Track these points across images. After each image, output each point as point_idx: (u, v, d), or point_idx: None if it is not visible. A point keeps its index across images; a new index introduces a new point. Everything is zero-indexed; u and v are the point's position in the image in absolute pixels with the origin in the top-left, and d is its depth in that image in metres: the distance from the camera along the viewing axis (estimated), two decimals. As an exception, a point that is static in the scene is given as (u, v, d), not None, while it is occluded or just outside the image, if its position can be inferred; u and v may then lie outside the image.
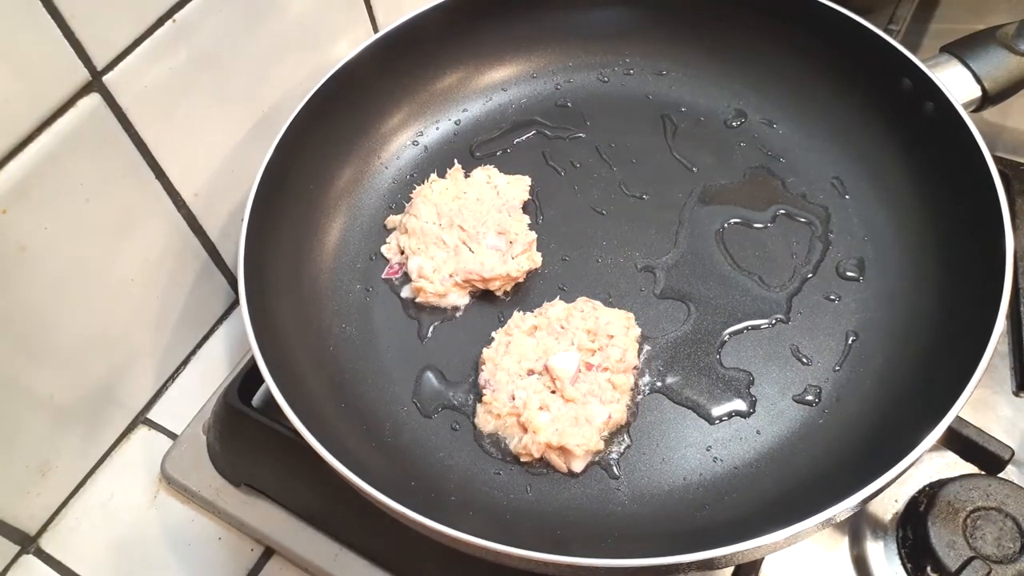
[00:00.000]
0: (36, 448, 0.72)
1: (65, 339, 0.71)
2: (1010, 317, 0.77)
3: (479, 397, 0.69)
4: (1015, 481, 0.65)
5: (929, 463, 0.70)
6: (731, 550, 0.52)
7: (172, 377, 0.85)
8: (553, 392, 0.67)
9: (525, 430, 0.65)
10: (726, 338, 0.72)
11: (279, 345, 0.67)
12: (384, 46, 0.83)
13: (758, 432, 0.66)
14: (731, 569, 0.65)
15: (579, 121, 0.88)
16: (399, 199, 0.84)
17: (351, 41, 0.90)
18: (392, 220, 0.82)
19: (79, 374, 0.74)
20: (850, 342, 0.70)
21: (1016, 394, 0.75)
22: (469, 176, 0.82)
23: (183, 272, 0.82)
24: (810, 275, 0.75)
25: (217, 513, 0.75)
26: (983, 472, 0.65)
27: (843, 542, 0.69)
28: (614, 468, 0.66)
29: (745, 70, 0.87)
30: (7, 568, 0.74)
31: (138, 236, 0.74)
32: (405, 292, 0.77)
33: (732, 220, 0.79)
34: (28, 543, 0.75)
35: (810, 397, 0.68)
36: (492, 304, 0.76)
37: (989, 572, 0.60)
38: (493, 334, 0.71)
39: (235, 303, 0.90)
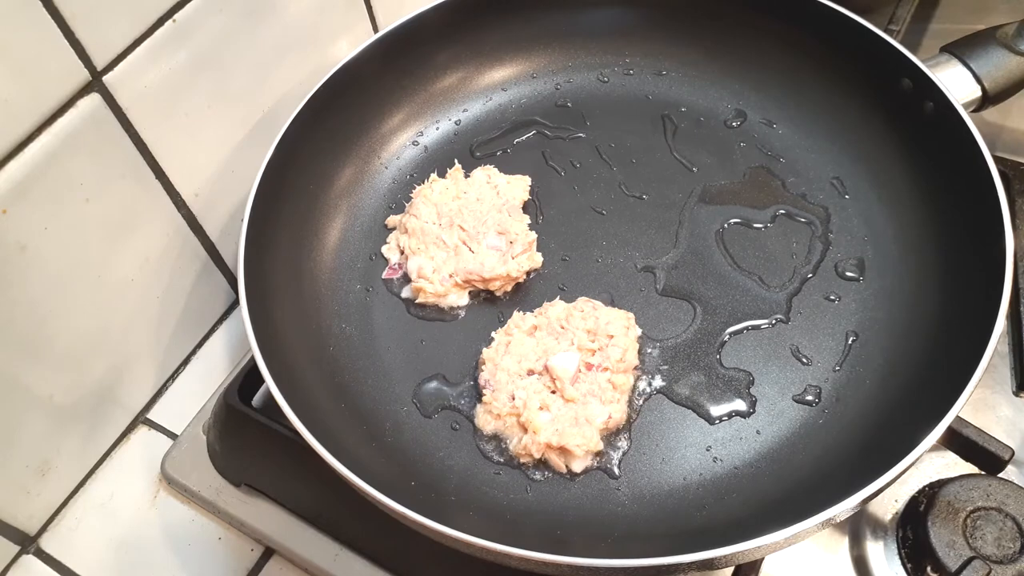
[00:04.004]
0: (36, 448, 0.72)
1: (65, 339, 0.71)
2: (1010, 317, 0.77)
3: (479, 397, 0.69)
4: (1015, 481, 0.65)
5: (929, 463, 0.70)
6: (731, 550, 0.52)
7: (172, 377, 0.85)
8: (553, 392, 0.67)
9: (525, 430, 0.65)
10: (726, 338, 0.72)
11: (279, 345, 0.67)
12: (384, 46, 0.83)
13: (758, 432, 0.66)
14: (731, 569, 0.65)
15: (579, 121, 0.88)
16: (399, 199, 0.84)
17: (351, 41, 0.90)
18: (392, 220, 0.82)
19: (79, 374, 0.74)
20: (850, 342, 0.70)
21: (1016, 394, 0.75)
22: (469, 176, 0.82)
23: (183, 272, 0.82)
24: (810, 275, 0.75)
25: (217, 513, 0.75)
26: (983, 472, 0.65)
27: (843, 542, 0.69)
28: (614, 468, 0.66)
29: (745, 70, 0.87)
30: (7, 568, 0.74)
31: (138, 236, 0.74)
32: (405, 292, 0.77)
33: (732, 220, 0.79)
34: (28, 543, 0.75)
35: (810, 397, 0.68)
36: (492, 304, 0.76)
37: (989, 572, 0.60)
38: (493, 334, 0.71)
39: (235, 303, 0.90)
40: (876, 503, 0.69)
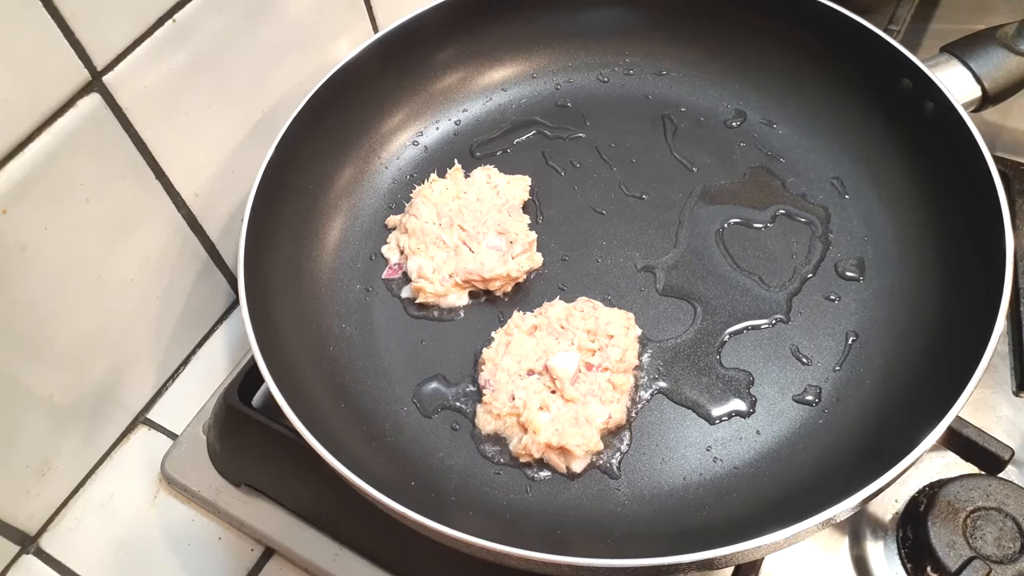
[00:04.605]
0: (36, 448, 0.72)
1: (65, 339, 0.71)
2: (1010, 317, 0.77)
3: (479, 397, 0.69)
4: (1015, 481, 0.65)
5: (929, 463, 0.70)
6: (731, 550, 0.52)
7: (172, 377, 0.85)
8: (553, 392, 0.67)
9: (525, 430, 0.65)
10: (726, 338, 0.72)
11: (279, 345, 0.67)
12: (384, 46, 0.83)
13: (758, 432, 0.66)
14: (731, 569, 0.65)
15: (579, 121, 0.88)
16: (399, 199, 0.84)
17: (351, 41, 0.90)
18: (392, 220, 0.82)
19: (79, 374, 0.74)
20: (850, 342, 0.70)
21: (1016, 394, 0.75)
22: (469, 176, 0.82)
23: (183, 272, 0.82)
24: (810, 275, 0.75)
25: (217, 513, 0.75)
26: (983, 472, 0.65)
27: (843, 542, 0.69)
28: (614, 468, 0.66)
29: (745, 70, 0.87)
30: (7, 568, 0.74)
31: (138, 236, 0.74)
32: (405, 292, 0.77)
33: (732, 220, 0.79)
34: (28, 543, 0.75)
35: (810, 397, 0.68)
36: (492, 304, 0.76)
37: (989, 572, 0.60)
38: (493, 334, 0.71)
39: (235, 303, 0.90)
40: (876, 503, 0.69)
